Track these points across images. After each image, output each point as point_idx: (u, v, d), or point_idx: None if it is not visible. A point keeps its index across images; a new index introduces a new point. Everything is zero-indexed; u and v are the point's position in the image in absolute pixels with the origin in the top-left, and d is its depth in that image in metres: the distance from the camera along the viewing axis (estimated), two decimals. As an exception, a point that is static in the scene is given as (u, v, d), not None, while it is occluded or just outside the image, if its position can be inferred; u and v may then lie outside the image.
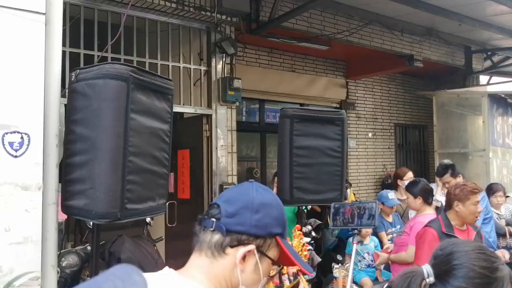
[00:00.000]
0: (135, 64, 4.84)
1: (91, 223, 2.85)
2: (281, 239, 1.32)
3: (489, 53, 9.51)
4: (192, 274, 1.26)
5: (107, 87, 2.53)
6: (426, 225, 3.70)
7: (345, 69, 9.02)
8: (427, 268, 1.44)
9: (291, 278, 3.37)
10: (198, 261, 1.28)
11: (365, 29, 7.23)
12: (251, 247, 1.26)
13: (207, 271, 1.26)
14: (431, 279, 1.42)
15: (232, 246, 1.26)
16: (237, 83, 5.68)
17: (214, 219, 1.28)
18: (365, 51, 7.79)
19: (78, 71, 2.68)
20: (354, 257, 2.11)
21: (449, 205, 3.66)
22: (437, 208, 5.19)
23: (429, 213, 4.54)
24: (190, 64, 5.67)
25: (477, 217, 3.60)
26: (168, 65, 5.46)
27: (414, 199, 4.57)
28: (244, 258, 1.26)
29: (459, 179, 5.09)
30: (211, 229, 1.27)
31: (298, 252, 3.40)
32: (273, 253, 1.32)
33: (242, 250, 1.25)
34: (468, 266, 1.39)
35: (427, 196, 4.56)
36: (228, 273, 1.26)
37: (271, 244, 1.30)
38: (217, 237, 1.27)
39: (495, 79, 10.84)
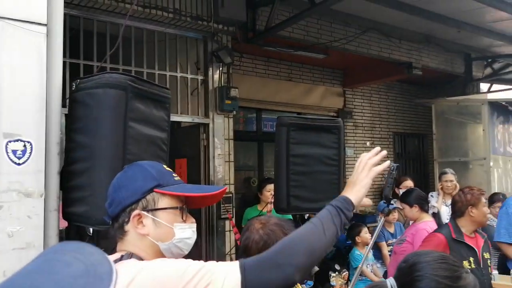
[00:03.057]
0: (133, 74, 4.92)
1: (91, 230, 2.88)
2: (161, 188, 1.52)
3: (489, 60, 9.50)
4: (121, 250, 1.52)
5: (106, 96, 2.58)
6: (435, 231, 3.76)
7: (343, 78, 9.06)
8: (391, 281, 1.48)
9: None
10: (118, 246, 1.53)
11: (362, 36, 7.27)
12: (135, 212, 1.49)
13: (125, 246, 1.51)
14: None
15: (126, 223, 1.50)
16: (234, 92, 5.72)
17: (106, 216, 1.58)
18: (362, 59, 7.83)
19: (78, 80, 2.74)
20: (379, 230, 2.10)
21: (460, 212, 3.68)
22: (434, 215, 5.23)
23: (428, 220, 4.60)
24: (187, 73, 5.71)
25: (487, 218, 3.71)
26: (166, 74, 5.50)
27: (410, 209, 4.64)
28: (141, 224, 1.49)
29: None
30: (110, 224, 1.56)
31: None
32: (165, 202, 1.52)
33: (131, 220, 1.49)
34: (429, 276, 1.43)
35: (423, 204, 4.62)
36: (139, 242, 1.50)
37: (155, 198, 1.52)
38: (115, 225, 1.53)
39: (496, 86, 10.83)
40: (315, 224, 1.47)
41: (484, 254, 3.57)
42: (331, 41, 6.95)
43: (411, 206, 4.62)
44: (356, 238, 5.81)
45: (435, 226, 4.60)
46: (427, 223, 4.54)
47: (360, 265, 1.99)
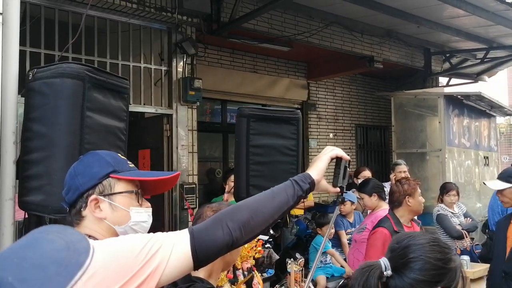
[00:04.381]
0: (96, 64, 4.91)
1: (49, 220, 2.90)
2: (117, 173, 1.60)
3: (447, 55, 9.74)
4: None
5: (63, 85, 2.60)
6: (377, 225, 3.83)
7: (307, 70, 9.19)
8: (384, 262, 1.50)
9: (245, 272, 3.46)
10: None
11: (325, 30, 7.37)
12: (92, 197, 1.57)
13: (82, 230, 1.55)
14: (389, 272, 1.48)
15: (84, 208, 1.58)
16: (197, 83, 5.75)
17: (63, 203, 1.63)
18: (326, 53, 7.95)
19: (35, 70, 2.74)
20: (334, 217, 2.15)
21: (398, 202, 3.78)
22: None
23: (387, 208, 4.73)
24: (151, 64, 5.71)
25: (422, 207, 3.80)
26: (129, 65, 5.49)
27: (369, 198, 4.78)
28: (98, 208, 1.57)
29: None
30: (67, 211, 1.62)
31: (252, 247, 3.50)
32: (121, 186, 1.61)
33: (88, 205, 1.56)
34: (423, 258, 1.46)
35: (381, 192, 4.77)
36: (96, 226, 1.57)
37: (111, 183, 1.60)
38: (72, 211, 1.60)
39: (454, 80, 11.19)
40: (265, 192, 1.55)
41: None
42: (295, 34, 7.04)
43: (370, 195, 4.76)
44: (317, 229, 5.97)
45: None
46: (386, 211, 4.68)
47: (319, 250, 2.07)
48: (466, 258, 4.48)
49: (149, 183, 1.69)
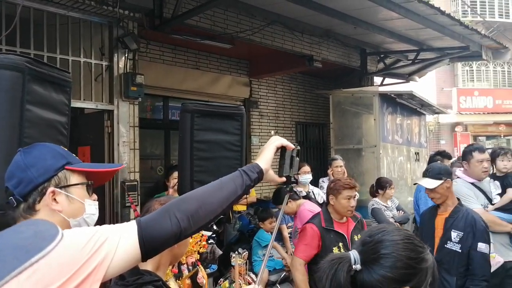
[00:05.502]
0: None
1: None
2: (71, 165, 1.60)
3: (382, 55, 10.10)
4: None
5: (1, 77, 2.50)
6: (308, 221, 3.95)
7: (249, 68, 9.27)
8: (354, 255, 1.43)
9: (190, 267, 3.48)
10: None
11: (267, 28, 7.46)
12: (50, 189, 1.53)
13: None
14: (358, 266, 1.42)
15: (38, 202, 1.53)
16: (139, 79, 5.68)
17: (11, 198, 1.54)
18: (267, 51, 8.05)
19: (-31, 61, 2.63)
20: (282, 211, 2.17)
21: (327, 199, 3.93)
22: (306, 197, 5.73)
23: (303, 202, 5.16)
24: (91, 59, 5.58)
25: (349, 211, 3.78)
26: (68, 59, 5.34)
27: (287, 205, 5.03)
28: (54, 201, 1.54)
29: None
30: (14, 205, 1.53)
31: (197, 242, 3.53)
32: (76, 178, 1.61)
33: (46, 198, 1.52)
34: (395, 256, 1.40)
35: (292, 195, 5.10)
36: (49, 219, 1.47)
37: (67, 175, 1.59)
38: (21, 206, 1.52)
39: (388, 80, 11.63)
40: (213, 183, 1.58)
41: (355, 236, 3.73)
42: (237, 31, 7.08)
43: (286, 203, 5.00)
44: (260, 223, 6.05)
45: (310, 203, 5.19)
46: (304, 205, 5.08)
47: (270, 242, 2.08)
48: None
49: (94, 176, 1.69)
